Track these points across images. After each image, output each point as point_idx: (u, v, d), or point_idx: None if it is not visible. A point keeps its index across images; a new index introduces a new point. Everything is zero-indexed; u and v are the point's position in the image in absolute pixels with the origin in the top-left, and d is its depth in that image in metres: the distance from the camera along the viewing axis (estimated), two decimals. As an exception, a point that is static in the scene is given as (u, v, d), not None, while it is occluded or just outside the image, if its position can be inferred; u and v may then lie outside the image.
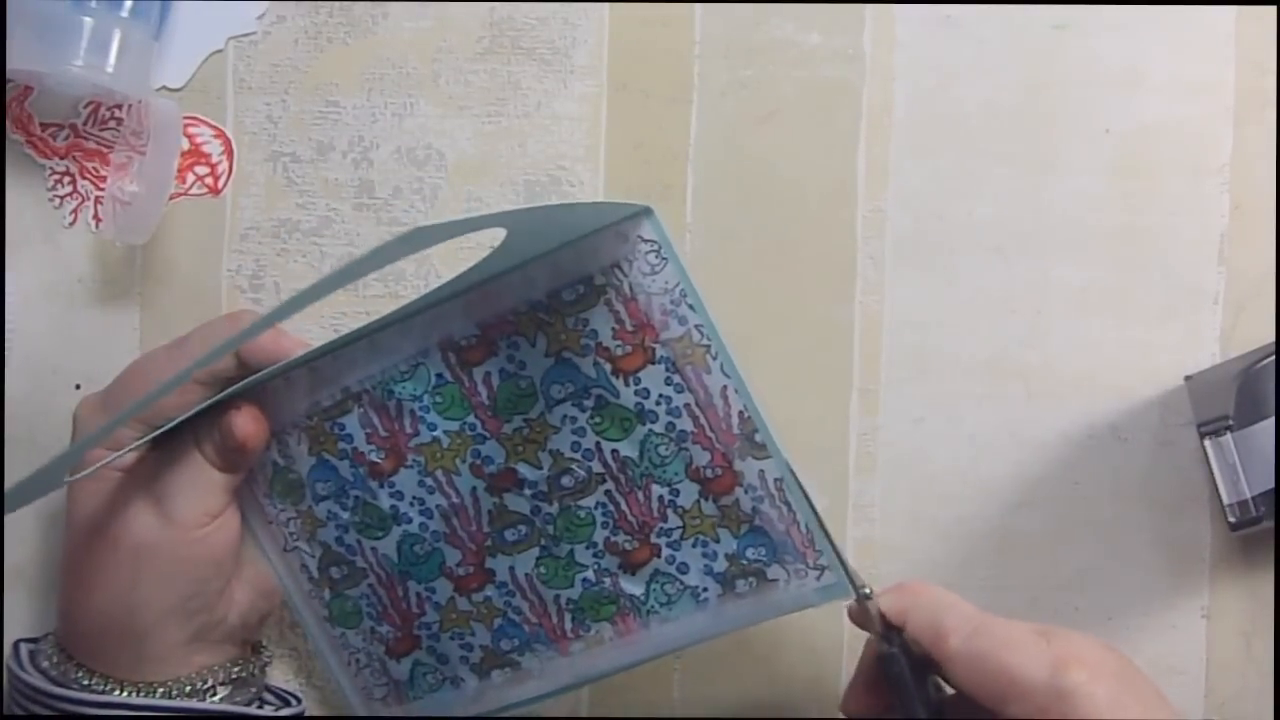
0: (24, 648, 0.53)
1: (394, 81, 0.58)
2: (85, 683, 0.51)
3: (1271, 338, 0.54)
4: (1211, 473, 0.52)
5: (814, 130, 0.57)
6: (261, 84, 0.58)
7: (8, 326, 0.59)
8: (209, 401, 0.50)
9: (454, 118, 0.58)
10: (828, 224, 0.57)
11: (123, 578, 0.51)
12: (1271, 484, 0.50)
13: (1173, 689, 0.56)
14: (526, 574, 0.53)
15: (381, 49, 0.58)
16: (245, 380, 0.50)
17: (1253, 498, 0.51)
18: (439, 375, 0.51)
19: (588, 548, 0.52)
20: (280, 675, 0.58)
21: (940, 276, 0.56)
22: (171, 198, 0.58)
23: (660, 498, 0.51)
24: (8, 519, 0.58)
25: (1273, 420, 0.50)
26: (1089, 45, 0.56)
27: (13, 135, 0.59)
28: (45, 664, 0.52)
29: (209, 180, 0.59)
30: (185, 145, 0.58)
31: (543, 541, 0.52)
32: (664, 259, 0.49)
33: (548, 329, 0.50)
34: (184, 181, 0.59)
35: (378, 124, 0.58)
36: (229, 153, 0.59)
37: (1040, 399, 0.56)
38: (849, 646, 0.57)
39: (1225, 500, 0.52)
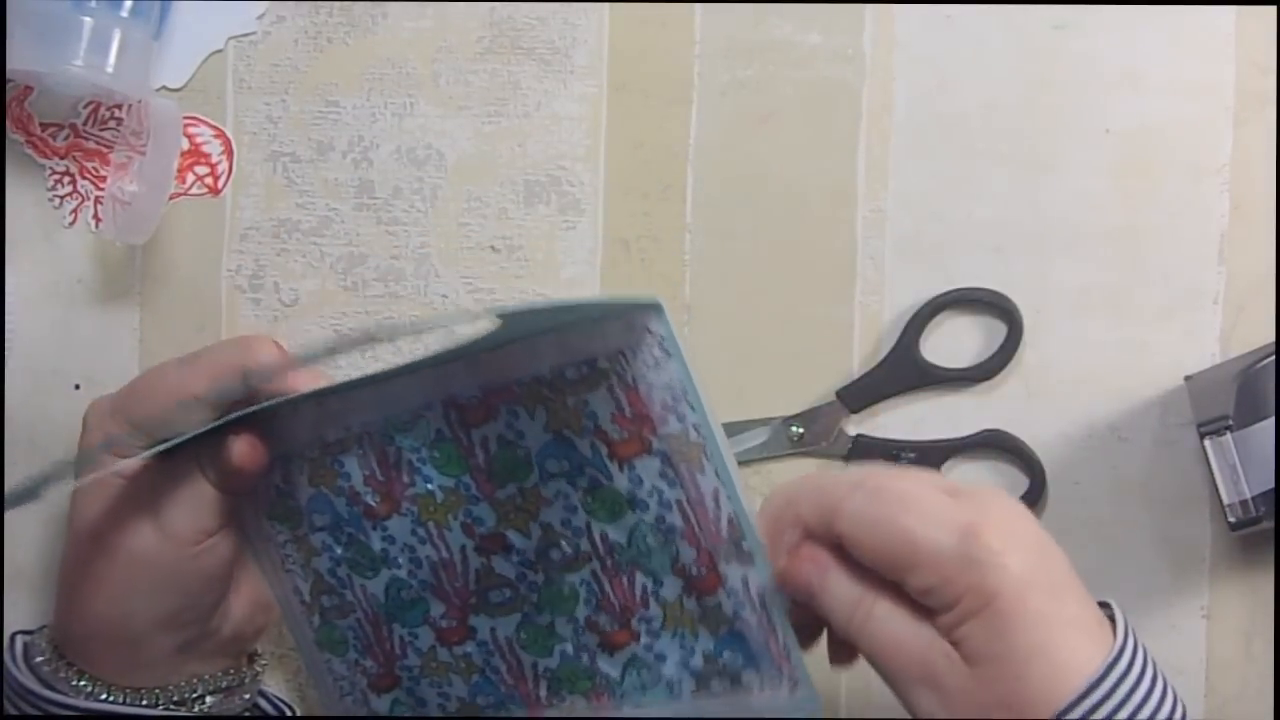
0: (20, 641, 0.53)
1: (394, 81, 0.58)
2: (75, 683, 0.51)
3: (1271, 338, 0.54)
4: (1211, 473, 0.52)
5: (814, 130, 0.57)
6: (261, 84, 0.58)
7: (8, 326, 0.59)
8: (215, 424, 0.50)
9: (454, 118, 0.58)
10: (828, 224, 0.57)
11: (117, 585, 0.51)
12: (1271, 484, 0.50)
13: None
14: (507, 637, 0.53)
15: (381, 49, 0.58)
16: (252, 407, 0.50)
17: (1253, 498, 0.51)
18: (439, 431, 0.51)
19: (569, 621, 0.52)
20: (281, 675, 0.58)
21: (940, 276, 0.56)
22: (171, 198, 0.58)
23: (644, 586, 0.51)
24: (8, 519, 0.58)
25: (1273, 420, 0.50)
26: (1089, 45, 0.56)
27: (13, 135, 0.59)
28: (38, 659, 0.52)
29: (209, 180, 0.59)
30: (185, 145, 0.58)
31: (526, 609, 0.52)
32: (667, 354, 0.48)
33: (549, 404, 0.50)
34: (184, 181, 0.59)
35: (378, 124, 0.58)
36: (229, 153, 0.59)
37: (1040, 399, 0.56)
38: (849, 646, 0.57)
39: (1225, 500, 0.52)
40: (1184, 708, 0.42)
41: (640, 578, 0.50)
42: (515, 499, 0.51)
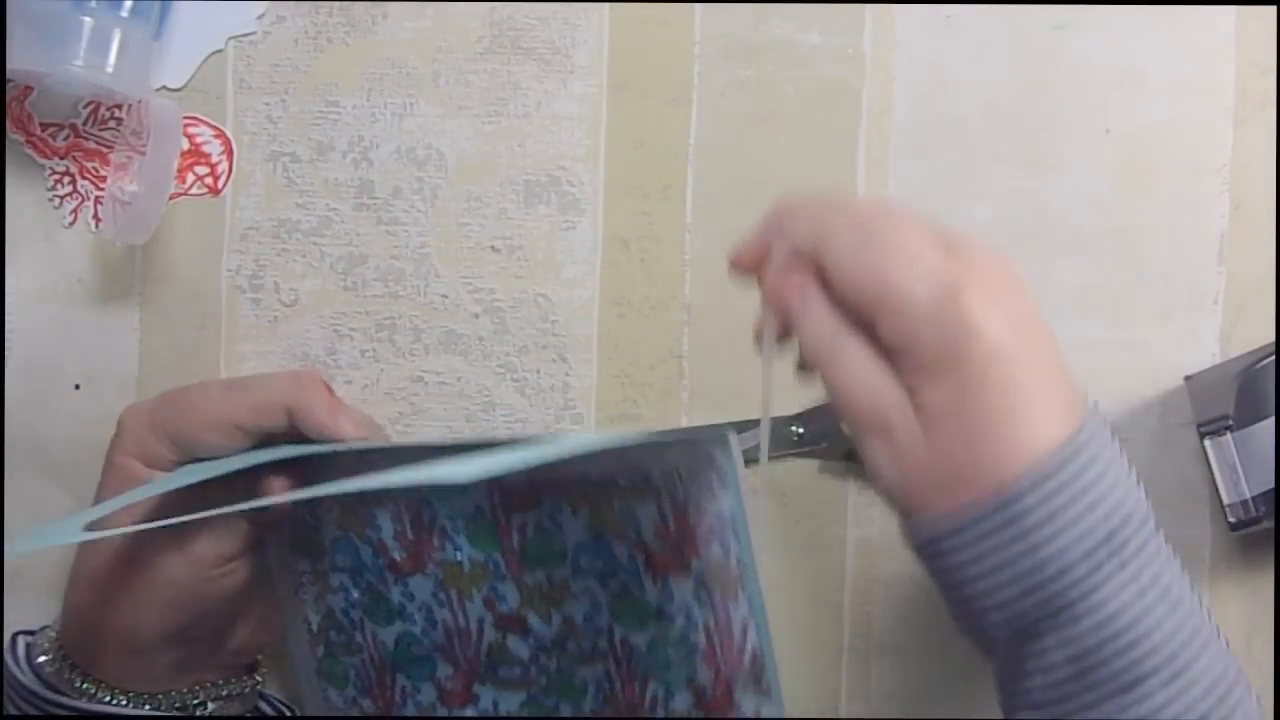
0: (21, 641, 0.53)
1: (394, 81, 0.58)
2: (78, 686, 0.51)
3: (1271, 338, 0.54)
4: (1211, 473, 0.52)
5: (814, 130, 0.57)
6: (261, 84, 0.58)
7: (8, 326, 0.59)
8: (257, 460, 0.49)
9: (454, 118, 0.58)
10: (828, 224, 0.57)
11: (132, 598, 0.51)
12: (1271, 484, 0.50)
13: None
14: (509, 712, 0.53)
15: (381, 49, 0.58)
16: (298, 451, 0.49)
17: (1253, 498, 0.51)
18: (479, 507, 0.51)
19: (573, 710, 0.52)
20: (280, 676, 0.58)
21: (940, 276, 0.56)
22: (171, 198, 0.58)
23: (655, 694, 0.51)
24: (7, 519, 0.58)
25: (1273, 420, 0.50)
26: (1089, 45, 0.56)
27: (13, 135, 0.59)
28: (41, 659, 0.52)
29: (209, 180, 0.59)
30: (185, 145, 0.58)
31: (533, 690, 0.52)
32: (725, 486, 0.47)
33: (595, 504, 0.50)
34: (184, 181, 0.59)
35: (378, 124, 0.58)
36: (229, 153, 0.59)
37: (1040, 399, 0.56)
38: (849, 647, 0.57)
39: (1225, 500, 0.52)
40: (1147, 507, 0.40)
41: (653, 686, 0.51)
42: (542, 585, 0.51)
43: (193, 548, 0.50)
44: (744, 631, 0.49)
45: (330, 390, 0.52)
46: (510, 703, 0.53)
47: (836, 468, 0.57)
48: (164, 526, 0.47)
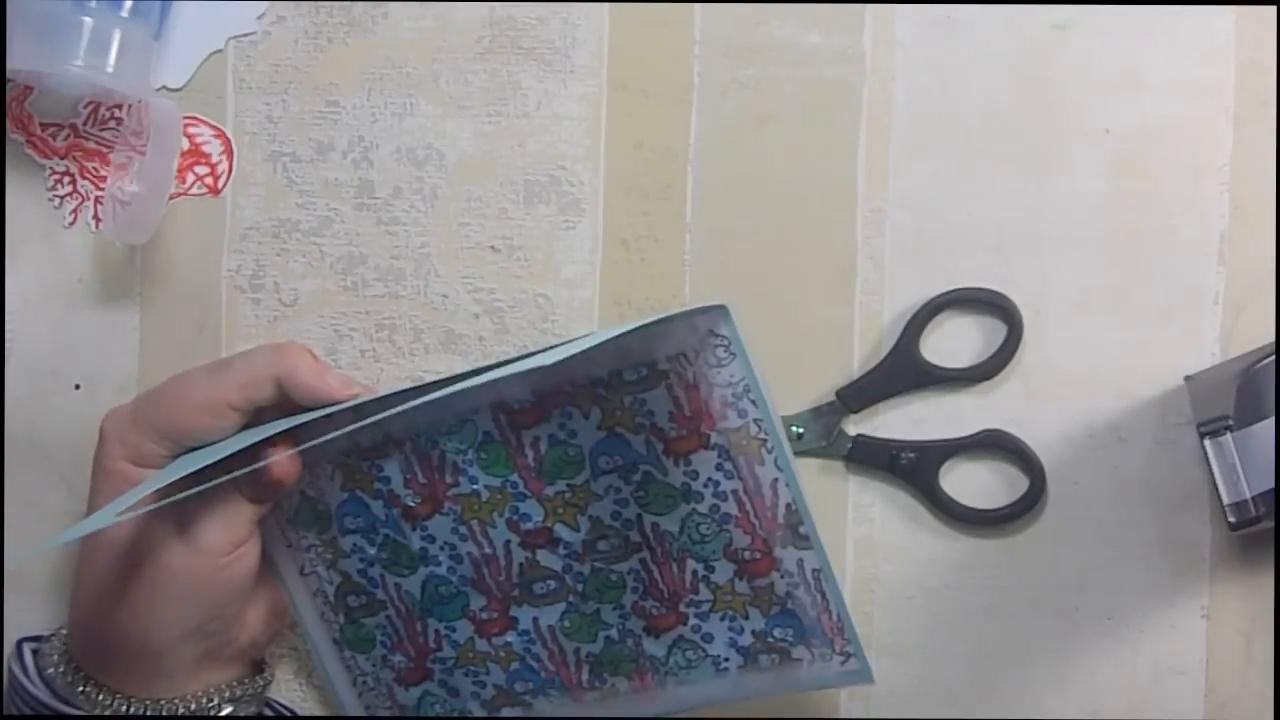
0: (27, 650, 0.53)
1: (394, 81, 0.58)
2: (93, 695, 0.51)
3: (1271, 338, 0.54)
4: (1211, 473, 0.52)
5: (814, 130, 0.57)
6: (261, 84, 0.58)
7: (8, 326, 0.59)
8: (249, 439, 0.49)
9: (454, 118, 0.58)
10: (828, 224, 0.57)
11: (143, 599, 0.50)
12: (1271, 484, 0.50)
13: (1173, 689, 0.56)
14: (550, 626, 0.53)
15: (381, 49, 0.58)
16: (289, 421, 0.49)
17: (1253, 498, 0.51)
18: (486, 433, 0.51)
19: (615, 609, 0.52)
20: (281, 675, 0.58)
21: (940, 276, 0.56)
22: (171, 198, 0.58)
23: (694, 571, 0.51)
24: (7, 519, 0.58)
25: (1273, 420, 0.50)
26: (1089, 45, 0.56)
27: (13, 135, 0.59)
28: (50, 670, 0.52)
29: (209, 180, 0.59)
30: (185, 145, 0.58)
31: (571, 598, 0.53)
32: (732, 354, 0.49)
33: (604, 404, 0.50)
34: (184, 181, 0.59)
35: (378, 124, 0.58)
36: (229, 153, 0.59)
37: (1040, 399, 0.56)
38: (849, 646, 0.57)
39: (1225, 500, 0.52)
40: None
41: (691, 564, 0.51)
42: (564, 495, 0.51)
43: (200, 538, 0.50)
44: (774, 489, 0.50)
45: (314, 355, 0.51)
46: (550, 616, 0.53)
47: (837, 468, 0.57)
48: (182, 499, 0.46)
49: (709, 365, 0.49)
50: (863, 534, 0.57)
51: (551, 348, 0.47)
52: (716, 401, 0.49)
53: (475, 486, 0.52)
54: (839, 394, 0.56)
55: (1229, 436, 0.51)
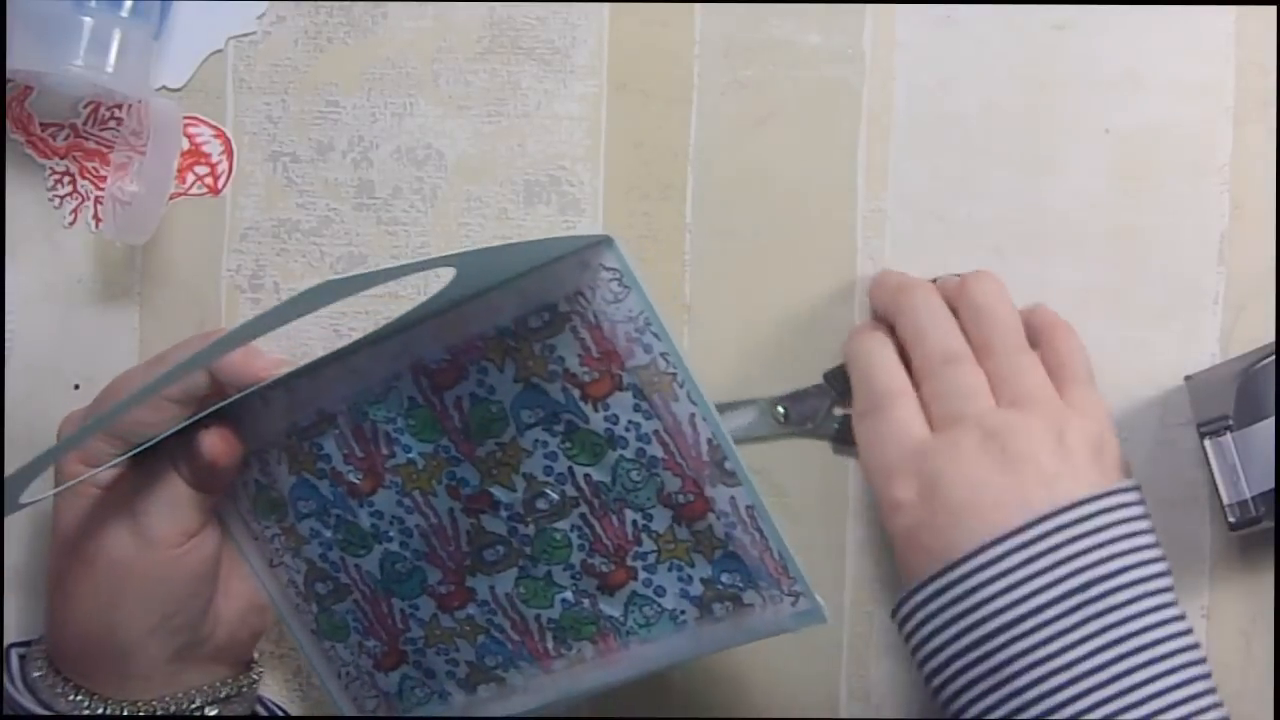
0: (14, 655, 0.53)
1: (394, 81, 0.58)
2: (71, 698, 0.51)
3: (1271, 338, 0.54)
4: (1211, 473, 0.52)
5: (814, 130, 0.57)
6: (261, 84, 0.58)
7: (8, 326, 0.59)
8: (186, 421, 0.49)
9: (454, 118, 0.58)
10: (828, 224, 0.57)
11: (102, 595, 0.50)
12: (1271, 484, 0.50)
13: (1173, 689, 0.56)
14: (506, 593, 0.53)
15: (381, 49, 0.58)
16: (220, 402, 0.50)
17: (1253, 498, 0.51)
18: (411, 398, 0.51)
19: (565, 569, 0.52)
20: (280, 675, 0.58)
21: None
22: (171, 198, 0.58)
23: (634, 522, 0.51)
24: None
25: (1273, 420, 0.50)
26: (1089, 45, 0.56)
27: (13, 135, 0.59)
28: (35, 675, 0.52)
29: (209, 180, 0.59)
30: (185, 145, 0.58)
31: (521, 562, 0.52)
32: (626, 287, 0.48)
33: (515, 355, 0.50)
34: (184, 181, 0.59)
35: (378, 124, 0.58)
36: (229, 153, 0.59)
37: (1040, 399, 0.56)
38: (849, 646, 0.57)
39: (1225, 500, 0.52)
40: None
41: (629, 514, 0.51)
42: (495, 455, 0.51)
43: (150, 530, 0.50)
44: (693, 425, 0.49)
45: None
46: (505, 584, 0.53)
47: (823, 449, 0.57)
48: (137, 451, 0.47)
49: (606, 301, 0.48)
50: (863, 534, 0.57)
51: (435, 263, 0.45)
52: (621, 338, 0.49)
53: (410, 455, 0.52)
54: (826, 376, 0.56)
55: (1229, 436, 0.51)
